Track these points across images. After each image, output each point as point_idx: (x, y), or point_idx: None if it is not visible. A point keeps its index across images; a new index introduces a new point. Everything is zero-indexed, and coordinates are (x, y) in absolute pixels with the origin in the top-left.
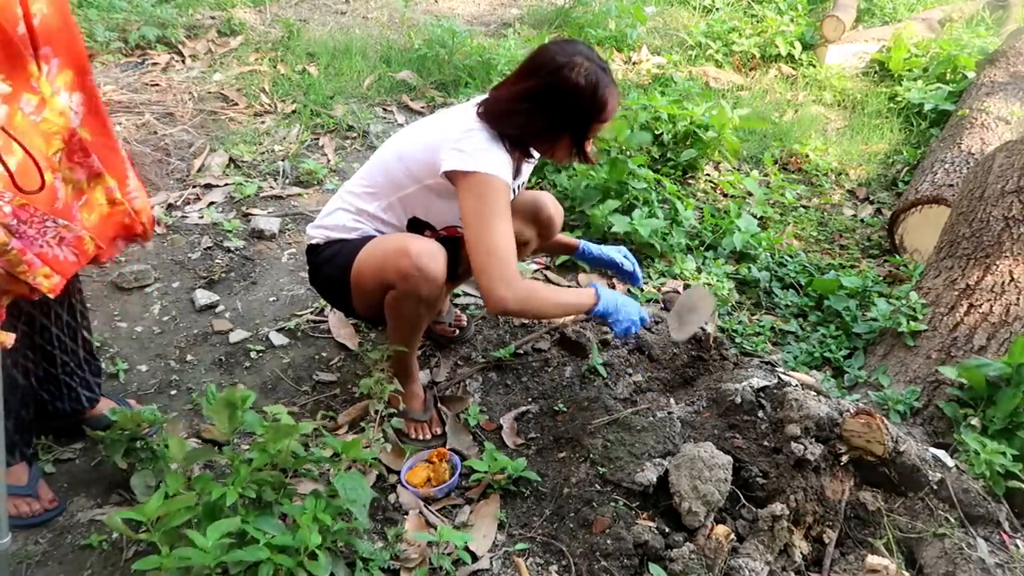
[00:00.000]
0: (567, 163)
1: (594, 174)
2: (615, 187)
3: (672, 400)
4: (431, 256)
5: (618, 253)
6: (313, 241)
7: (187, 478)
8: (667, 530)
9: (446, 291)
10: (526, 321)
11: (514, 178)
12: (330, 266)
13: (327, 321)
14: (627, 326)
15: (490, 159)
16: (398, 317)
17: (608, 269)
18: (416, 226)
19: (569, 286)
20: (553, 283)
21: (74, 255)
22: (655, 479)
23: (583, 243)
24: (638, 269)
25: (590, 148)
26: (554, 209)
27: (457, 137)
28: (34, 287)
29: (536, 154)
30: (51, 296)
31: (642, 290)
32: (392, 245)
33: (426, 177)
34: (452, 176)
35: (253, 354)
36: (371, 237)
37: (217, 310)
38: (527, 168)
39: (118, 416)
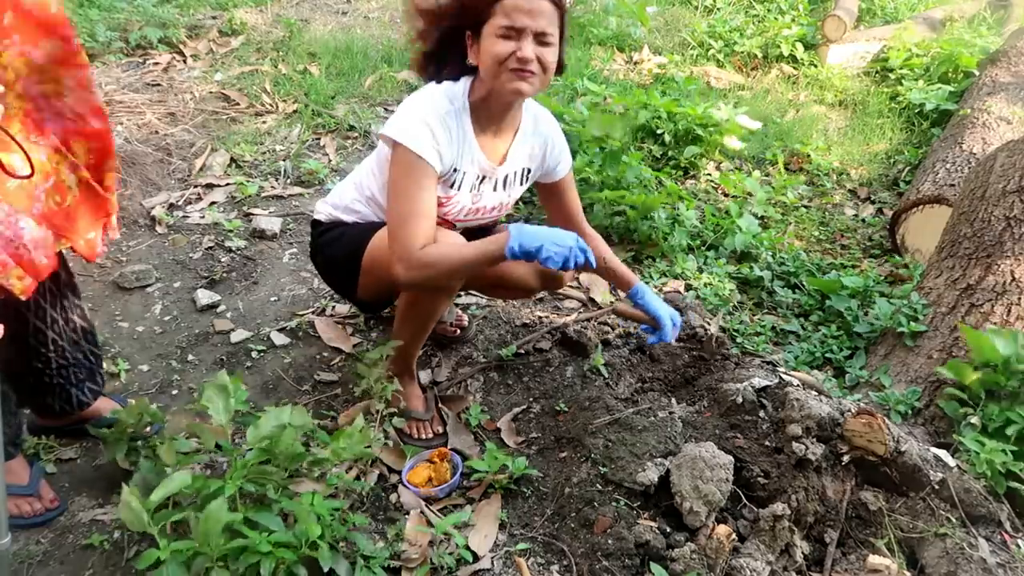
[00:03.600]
0: (495, 73)
1: (589, 169)
2: (611, 182)
3: (673, 400)
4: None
5: (667, 312)
6: (319, 217)
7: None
8: (668, 530)
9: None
10: (527, 321)
11: (500, 164)
12: (333, 248)
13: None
14: (564, 255)
15: (412, 129)
16: (412, 312)
17: (645, 322)
18: None
19: None
20: None
21: (45, 258)
22: (656, 479)
23: (638, 287)
24: (670, 335)
25: (487, 43)
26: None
27: (400, 107)
28: (7, 288)
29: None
30: (22, 298)
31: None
32: None
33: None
34: (384, 140)
35: (254, 354)
36: (373, 222)
37: (218, 310)
38: (518, 158)
39: (120, 414)
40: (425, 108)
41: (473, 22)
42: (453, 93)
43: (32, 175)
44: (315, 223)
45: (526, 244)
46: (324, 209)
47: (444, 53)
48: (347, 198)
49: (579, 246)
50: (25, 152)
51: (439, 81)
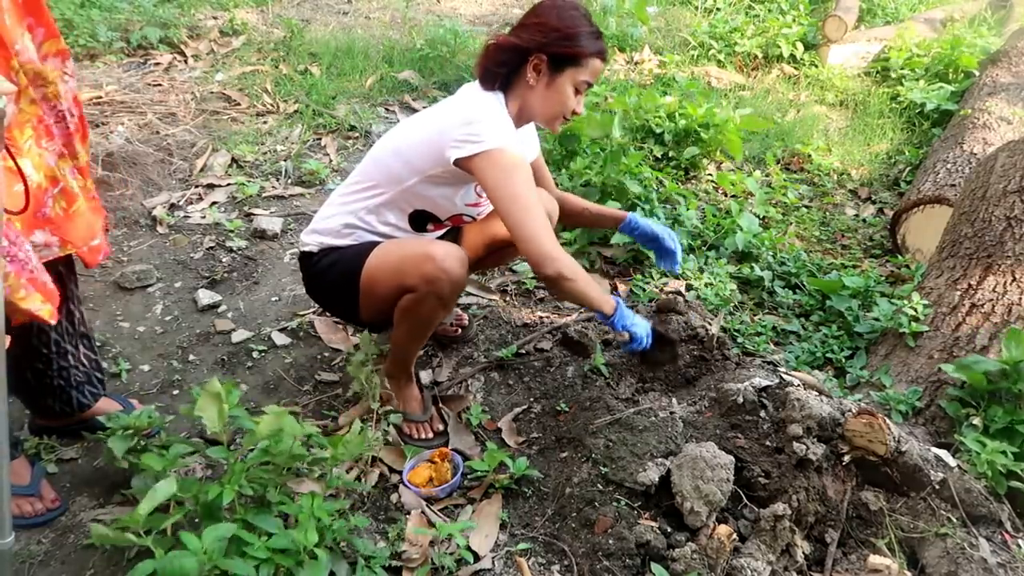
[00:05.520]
0: (555, 116)
1: (590, 171)
2: (614, 186)
3: (674, 400)
4: (456, 259)
5: (665, 230)
6: (307, 248)
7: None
8: (669, 530)
9: None
10: (528, 321)
11: None
12: (331, 274)
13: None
14: (645, 336)
15: (495, 133)
16: (413, 319)
17: (650, 245)
18: (419, 219)
19: None
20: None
21: (53, 283)
22: (657, 479)
23: (631, 215)
24: (679, 253)
25: (566, 89)
26: (550, 207)
27: (462, 123)
28: (33, 315)
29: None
30: (52, 322)
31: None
32: (412, 250)
33: (429, 167)
34: (463, 163)
35: (255, 354)
36: (367, 242)
37: (219, 310)
38: (530, 141)
39: (112, 422)
40: (497, 117)
41: (564, 58)
42: (500, 102)
43: (25, 211)
44: (305, 255)
45: (627, 323)
46: (311, 239)
47: (513, 67)
48: (336, 223)
49: (649, 341)
50: (25, 183)
51: (493, 90)
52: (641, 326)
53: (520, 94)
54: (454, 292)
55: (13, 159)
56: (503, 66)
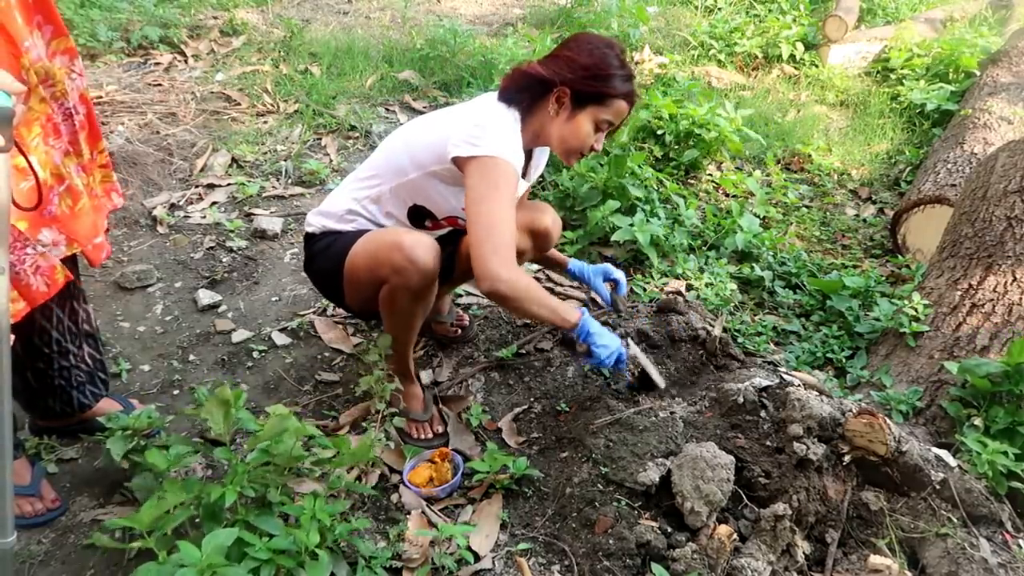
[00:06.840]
0: (572, 150)
1: (594, 174)
2: (615, 187)
3: (674, 400)
4: (424, 248)
5: (598, 277)
6: (310, 229)
7: (185, 479)
8: (669, 530)
9: (447, 290)
10: (528, 321)
11: (522, 175)
12: (323, 257)
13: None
14: (608, 355)
15: (498, 142)
16: (392, 312)
17: (590, 287)
18: (417, 215)
19: (563, 297)
20: (555, 282)
21: (46, 285)
22: (657, 479)
23: (572, 262)
24: (619, 296)
25: (585, 125)
26: (552, 222)
27: (470, 125)
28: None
29: (544, 150)
30: (11, 321)
31: (619, 314)
32: (385, 239)
33: (431, 163)
34: (459, 162)
35: (255, 354)
36: (366, 231)
37: (220, 310)
38: (538, 163)
39: (111, 423)
40: (507, 130)
41: (588, 96)
42: (516, 120)
43: (38, 206)
44: (307, 236)
45: (591, 331)
46: (315, 220)
47: (535, 95)
48: (340, 208)
49: (619, 360)
50: (38, 180)
51: (511, 106)
52: (607, 346)
53: (539, 120)
54: (424, 282)
55: (24, 156)
56: (525, 91)
